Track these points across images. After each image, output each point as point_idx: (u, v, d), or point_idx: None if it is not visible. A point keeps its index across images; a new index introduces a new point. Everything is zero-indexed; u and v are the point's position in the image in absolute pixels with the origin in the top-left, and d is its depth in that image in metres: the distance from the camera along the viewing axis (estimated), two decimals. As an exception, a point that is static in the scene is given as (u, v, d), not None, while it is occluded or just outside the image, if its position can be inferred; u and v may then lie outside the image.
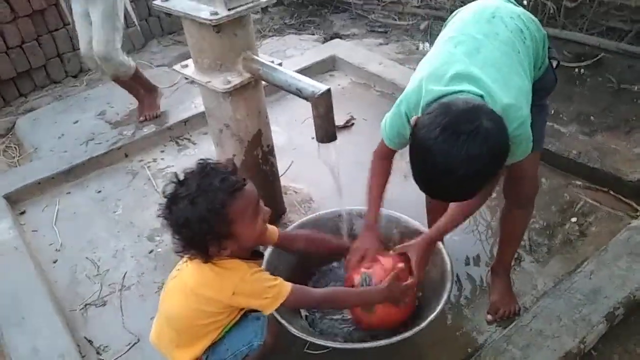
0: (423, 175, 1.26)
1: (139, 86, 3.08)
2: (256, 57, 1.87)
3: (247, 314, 1.58)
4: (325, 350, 1.77)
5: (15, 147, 3.29)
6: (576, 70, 3.37)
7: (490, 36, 1.41)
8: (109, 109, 3.41)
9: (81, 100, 3.58)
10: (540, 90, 1.56)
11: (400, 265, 1.67)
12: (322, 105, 1.63)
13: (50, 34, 3.80)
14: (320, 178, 2.33)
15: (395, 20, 4.33)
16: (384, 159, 1.70)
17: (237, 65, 1.86)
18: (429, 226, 1.88)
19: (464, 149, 1.15)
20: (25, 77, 3.76)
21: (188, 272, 1.49)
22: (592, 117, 2.88)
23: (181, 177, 1.42)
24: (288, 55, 3.81)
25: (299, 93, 1.68)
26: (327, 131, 1.68)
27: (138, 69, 3.01)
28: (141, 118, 3.08)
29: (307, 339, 1.61)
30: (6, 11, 3.50)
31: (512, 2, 1.59)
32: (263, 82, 1.96)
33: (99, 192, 2.70)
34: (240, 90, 1.88)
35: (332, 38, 4.04)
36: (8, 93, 3.70)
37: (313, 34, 4.29)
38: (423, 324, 1.57)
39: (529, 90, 1.41)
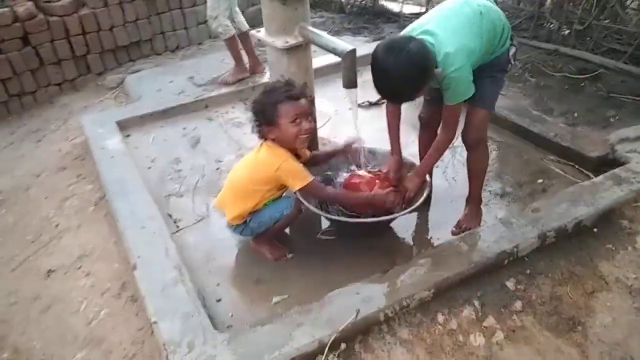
0: (373, 77, 1.85)
1: (230, 51, 3.71)
2: (308, 26, 2.45)
3: (282, 196, 2.17)
4: (333, 237, 2.34)
5: (123, 96, 4.03)
6: (579, 82, 3.76)
7: (458, 12, 1.97)
8: (197, 75, 4.07)
9: (176, 68, 4.29)
10: (496, 65, 2.09)
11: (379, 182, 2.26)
12: (348, 59, 2.19)
13: (157, 15, 4.54)
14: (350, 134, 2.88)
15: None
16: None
17: (295, 31, 2.45)
18: (420, 158, 2.44)
19: (393, 58, 1.76)
20: (135, 46, 4.51)
21: (252, 153, 2.14)
22: (576, 114, 3.30)
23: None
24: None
25: (334, 50, 2.25)
26: (350, 79, 2.23)
27: (235, 40, 3.65)
28: (219, 81, 3.76)
29: (323, 215, 2.17)
30: (129, -7, 4.28)
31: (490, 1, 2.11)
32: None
33: (184, 128, 3.36)
34: (294, 49, 2.47)
35: (379, 39, 4.59)
36: (121, 57, 4.46)
37: (365, 36, 4.86)
38: (408, 209, 2.17)
39: (474, 52, 1.92)
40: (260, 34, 2.59)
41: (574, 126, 3.15)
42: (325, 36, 2.36)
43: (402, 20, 5.14)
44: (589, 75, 3.76)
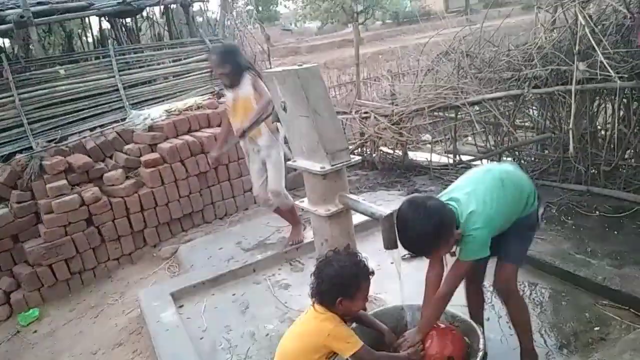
0: (397, 229, 2.02)
1: (291, 218, 3.99)
2: (347, 195, 2.65)
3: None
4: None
5: (176, 265, 4.24)
6: (617, 220, 3.77)
7: (480, 180, 2.16)
8: (244, 240, 4.29)
9: (225, 234, 4.55)
10: (525, 223, 2.20)
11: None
12: (386, 223, 2.32)
13: (208, 188, 4.95)
14: (393, 289, 2.92)
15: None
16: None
17: (335, 200, 2.65)
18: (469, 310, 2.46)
19: (412, 213, 1.94)
20: (187, 217, 4.85)
21: (300, 322, 2.18)
22: (622, 255, 3.25)
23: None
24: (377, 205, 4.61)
25: (372, 215, 2.41)
26: (390, 240, 2.34)
27: (295, 207, 3.90)
28: (289, 242, 3.94)
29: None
30: (183, 172, 4.72)
31: (511, 166, 2.29)
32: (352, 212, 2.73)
33: (234, 294, 3.46)
34: (336, 216, 2.65)
35: (412, 192, 4.81)
36: (175, 228, 4.78)
37: (399, 190, 5.10)
38: None
39: (494, 218, 2.05)
40: (304, 204, 2.80)
41: (620, 267, 3.09)
42: (363, 203, 2.54)
43: (431, 172, 5.41)
44: (626, 213, 3.78)
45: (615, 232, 3.60)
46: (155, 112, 5.20)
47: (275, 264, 3.78)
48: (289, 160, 3.01)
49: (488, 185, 2.11)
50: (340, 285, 2.08)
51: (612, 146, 4.15)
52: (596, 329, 2.59)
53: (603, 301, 2.78)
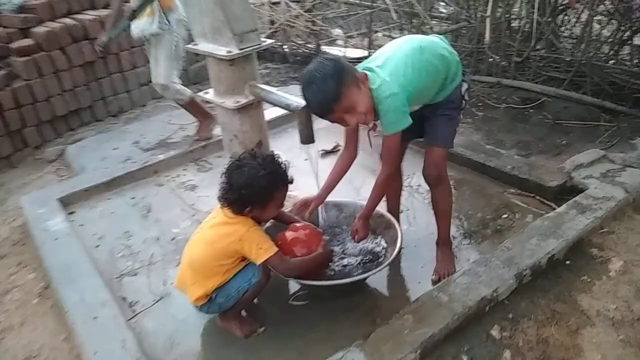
0: (302, 87, 1.87)
1: (196, 112, 3.65)
2: (259, 84, 2.37)
3: (248, 263, 2.00)
4: (307, 302, 2.19)
5: (64, 168, 3.80)
6: (525, 111, 3.86)
7: (398, 49, 2.01)
8: (142, 139, 3.90)
9: (120, 133, 4.10)
10: (449, 103, 2.09)
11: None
12: (303, 115, 2.11)
13: (97, 81, 4.37)
14: (306, 186, 2.78)
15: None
16: None
17: (245, 90, 2.37)
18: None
19: (314, 66, 1.81)
20: (74, 115, 4.30)
21: (208, 224, 1.97)
22: (529, 144, 3.34)
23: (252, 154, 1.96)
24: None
25: (287, 107, 2.17)
26: (307, 135, 2.15)
27: (195, 99, 3.55)
28: (195, 137, 3.64)
29: (296, 281, 2.04)
30: (64, 61, 4.10)
31: (436, 37, 2.13)
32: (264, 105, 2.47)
33: (133, 198, 3.16)
34: (246, 108, 2.38)
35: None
36: (60, 127, 4.23)
37: (311, 84, 4.85)
38: (381, 267, 2.08)
39: (410, 84, 1.93)
40: (209, 95, 2.49)
41: (527, 156, 3.18)
42: (277, 93, 2.28)
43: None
44: (533, 104, 3.87)
45: (523, 123, 3.70)
46: (25, -10, 4.36)
47: (179, 165, 3.48)
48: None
49: (406, 52, 1.97)
50: (250, 196, 1.86)
51: (524, 37, 4.14)
52: (504, 216, 2.67)
53: (511, 190, 2.85)
